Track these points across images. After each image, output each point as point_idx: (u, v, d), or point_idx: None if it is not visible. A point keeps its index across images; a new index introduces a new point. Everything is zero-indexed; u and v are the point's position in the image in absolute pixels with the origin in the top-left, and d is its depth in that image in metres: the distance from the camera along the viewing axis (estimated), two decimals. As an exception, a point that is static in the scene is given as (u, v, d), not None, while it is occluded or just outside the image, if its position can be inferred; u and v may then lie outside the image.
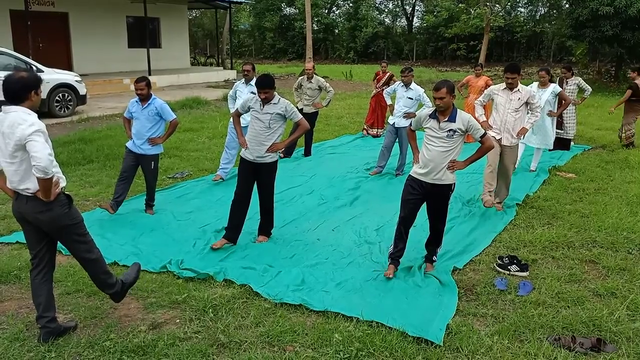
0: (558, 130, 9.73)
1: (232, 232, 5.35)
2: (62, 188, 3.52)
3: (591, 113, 14.41)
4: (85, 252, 3.71)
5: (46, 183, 3.29)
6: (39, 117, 3.41)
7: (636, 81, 10.07)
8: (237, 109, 5.68)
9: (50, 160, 3.23)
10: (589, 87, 9.85)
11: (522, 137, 6.72)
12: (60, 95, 12.66)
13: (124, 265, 4.86)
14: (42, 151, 3.20)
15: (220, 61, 28.05)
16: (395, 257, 4.75)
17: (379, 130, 11.35)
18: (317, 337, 3.72)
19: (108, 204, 6.00)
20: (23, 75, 3.45)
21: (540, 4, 35.11)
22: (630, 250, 5.36)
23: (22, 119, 3.28)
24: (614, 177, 8.06)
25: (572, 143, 10.06)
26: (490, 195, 6.45)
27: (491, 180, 6.49)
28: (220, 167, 7.79)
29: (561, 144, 9.89)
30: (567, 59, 30.73)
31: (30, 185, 3.40)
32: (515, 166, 8.29)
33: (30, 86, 3.40)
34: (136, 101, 6.09)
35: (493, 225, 6.03)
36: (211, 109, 14.65)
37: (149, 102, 6.03)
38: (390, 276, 4.63)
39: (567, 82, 9.72)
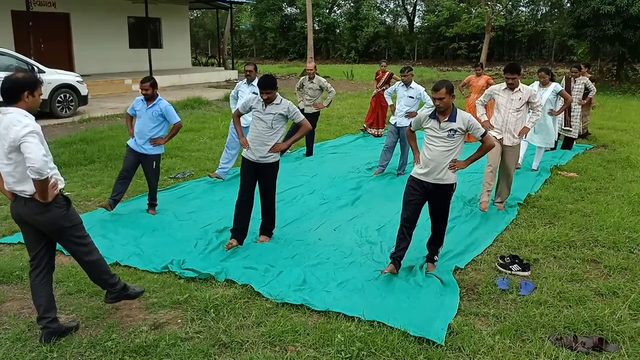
0: (567, 129, 9.73)
1: (239, 233, 5.36)
2: (60, 190, 3.52)
3: (593, 112, 14.36)
4: (85, 254, 3.71)
5: (42, 184, 3.29)
6: (41, 118, 3.42)
7: (588, 76, 10.60)
8: (237, 109, 5.69)
9: (44, 161, 3.22)
10: (594, 88, 9.95)
11: (524, 137, 6.72)
12: (62, 95, 12.68)
13: (125, 266, 4.87)
14: (35, 152, 3.20)
15: (221, 61, 28.05)
16: (396, 257, 4.71)
17: (379, 129, 11.36)
18: (319, 337, 3.72)
19: (107, 202, 6.01)
20: (18, 75, 3.46)
21: (541, 3, 35.13)
22: (632, 250, 5.36)
23: (17, 120, 3.28)
24: (616, 177, 8.05)
25: (574, 142, 10.07)
26: (488, 195, 6.44)
27: (490, 180, 6.48)
28: (219, 167, 7.79)
29: (568, 143, 9.90)
30: (568, 58, 30.72)
31: (27, 187, 3.40)
32: (520, 165, 8.30)
33: (23, 87, 3.39)
34: (142, 99, 6.10)
35: (494, 225, 6.03)
36: (212, 109, 14.66)
37: (154, 102, 6.04)
38: (385, 272, 4.58)
39: (575, 81, 9.72)
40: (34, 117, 3.41)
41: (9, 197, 3.56)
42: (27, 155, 3.21)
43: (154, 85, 6.03)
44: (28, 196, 3.43)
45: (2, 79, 3.45)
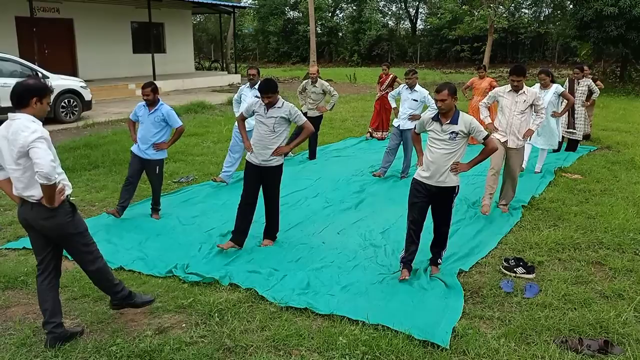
0: (572, 130, 9.70)
1: (239, 235, 5.36)
2: (67, 195, 3.54)
3: (596, 114, 14.32)
4: (89, 261, 3.73)
5: (49, 189, 3.31)
6: (45, 123, 3.45)
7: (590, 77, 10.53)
8: (241, 113, 5.71)
9: (52, 166, 3.25)
10: (597, 90, 9.91)
11: (528, 139, 6.70)
12: (66, 101, 12.75)
13: (129, 270, 4.88)
14: (44, 158, 3.23)
15: (224, 65, 28.15)
16: (407, 260, 4.74)
17: (384, 132, 11.36)
18: (323, 340, 3.72)
19: (115, 209, 6.04)
20: (29, 82, 3.51)
21: (544, 4, 35.04)
22: (637, 252, 5.33)
23: (25, 126, 3.31)
24: (620, 178, 8.02)
25: (578, 144, 10.04)
26: (491, 199, 6.43)
27: (493, 184, 6.46)
28: (222, 171, 7.80)
29: (572, 145, 9.86)
30: (571, 60, 30.67)
31: (35, 192, 3.43)
32: (524, 167, 8.28)
33: (31, 93, 3.42)
34: (144, 105, 6.11)
35: (499, 227, 6.02)
36: (216, 113, 14.69)
37: (156, 107, 6.05)
38: (407, 278, 4.61)
39: (578, 82, 9.71)
40: (41, 123, 3.44)
41: (16, 202, 3.59)
42: (35, 160, 3.23)
43: (155, 90, 6.04)
44: (35, 201, 3.45)
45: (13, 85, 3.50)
